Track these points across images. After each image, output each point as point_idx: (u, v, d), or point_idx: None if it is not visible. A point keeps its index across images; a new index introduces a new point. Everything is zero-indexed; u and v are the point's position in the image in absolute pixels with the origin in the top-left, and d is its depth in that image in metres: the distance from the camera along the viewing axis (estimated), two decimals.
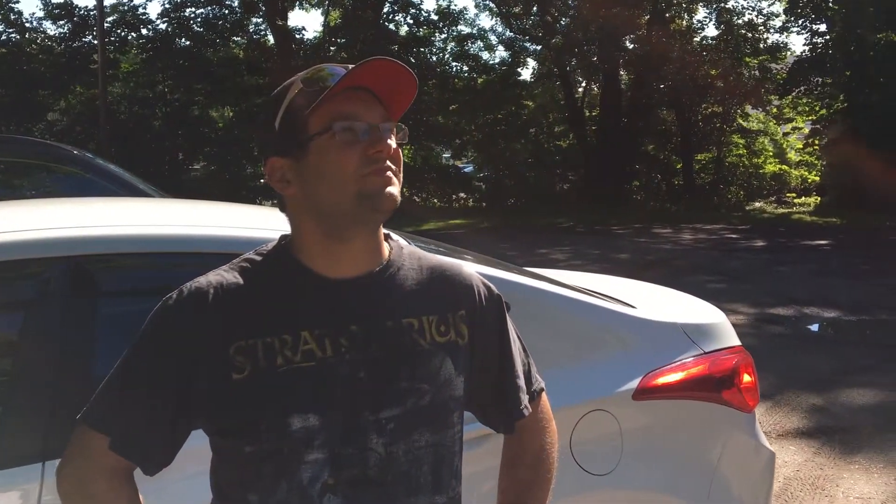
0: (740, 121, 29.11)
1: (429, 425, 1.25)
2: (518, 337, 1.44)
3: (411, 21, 26.55)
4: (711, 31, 45.91)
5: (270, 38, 25.14)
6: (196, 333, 1.19)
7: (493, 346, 1.38)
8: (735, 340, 2.48)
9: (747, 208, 26.18)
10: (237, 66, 24.35)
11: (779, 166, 31.32)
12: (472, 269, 1.41)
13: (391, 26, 26.19)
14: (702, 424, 2.32)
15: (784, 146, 32.10)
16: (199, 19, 24.32)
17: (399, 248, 1.34)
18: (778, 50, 27.51)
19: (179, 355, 1.19)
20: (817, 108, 26.20)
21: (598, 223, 19.15)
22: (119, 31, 23.88)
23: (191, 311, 1.20)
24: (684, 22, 28.15)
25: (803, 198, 28.67)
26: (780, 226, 19.44)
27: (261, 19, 24.99)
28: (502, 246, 13.46)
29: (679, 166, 28.33)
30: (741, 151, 30.05)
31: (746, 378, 2.37)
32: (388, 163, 1.21)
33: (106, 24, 20.98)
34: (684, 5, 27.70)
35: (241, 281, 1.24)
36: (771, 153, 31.26)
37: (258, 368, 1.18)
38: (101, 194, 5.63)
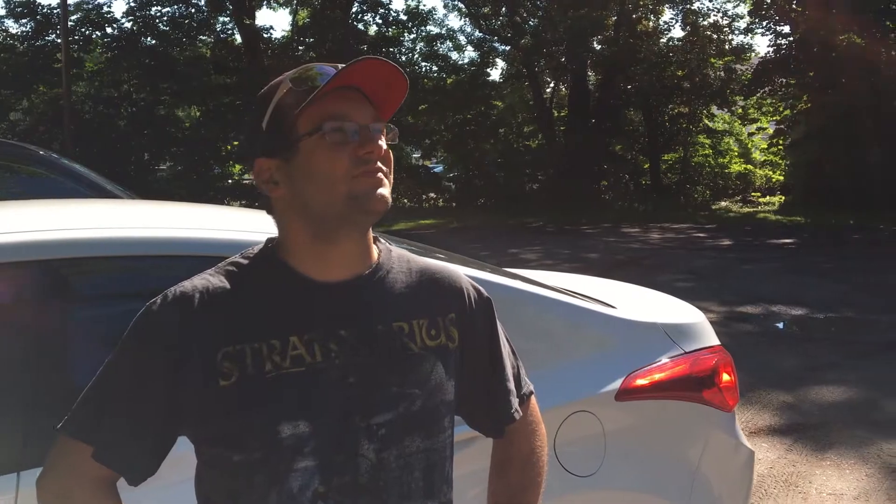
0: (706, 121, 29.51)
1: (420, 431, 1.23)
2: (507, 339, 1.43)
3: (380, 21, 26.52)
4: (678, 32, 46.38)
5: (238, 38, 24.93)
6: (182, 339, 1.16)
7: (484, 350, 1.37)
8: (714, 340, 2.50)
9: (713, 207, 26.52)
10: (204, 66, 24.10)
11: (744, 166, 31.79)
12: (462, 271, 1.40)
13: (360, 26, 26.12)
14: (683, 424, 2.33)
15: (749, 146, 32.58)
16: (164, 18, 24.06)
17: (388, 250, 1.32)
18: (743, 51, 27.89)
19: (165, 362, 1.16)
20: (781, 109, 26.62)
21: (568, 223, 19.26)
22: (83, 29, 23.51)
23: (176, 316, 1.17)
24: (651, 23, 28.43)
25: (768, 197, 29.11)
26: (746, 225, 19.70)
27: (228, 18, 24.76)
28: (473, 246, 13.48)
29: (646, 166, 28.62)
30: (707, 151, 30.47)
31: (726, 377, 2.38)
32: (379, 164, 1.20)
33: (70, 23, 20.62)
34: (650, 7, 27.97)
35: (227, 285, 1.21)
36: (736, 153, 31.73)
37: (246, 375, 1.15)
38: (66, 195, 5.52)
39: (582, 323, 2.28)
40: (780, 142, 27.32)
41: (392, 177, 1.24)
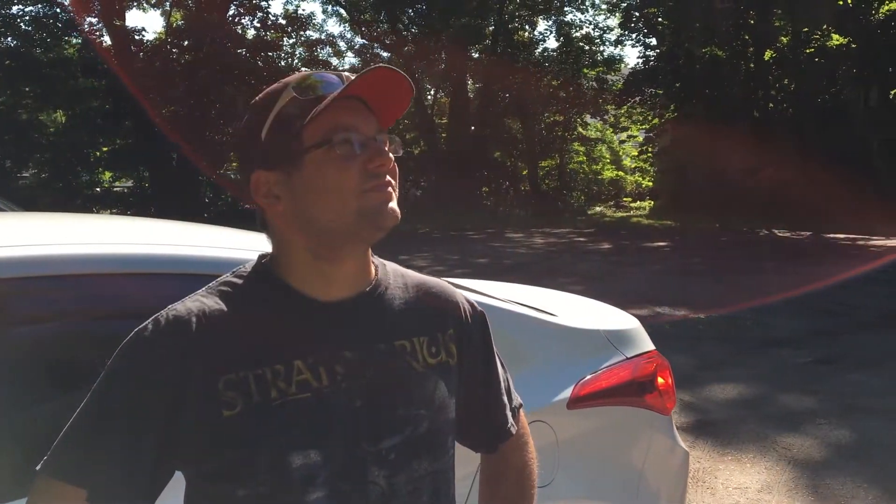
0: (580, 129, 30.54)
1: (427, 453, 1.19)
2: (497, 353, 1.41)
3: (258, 24, 25.94)
4: (552, 43, 47.81)
5: (107, 39, 23.81)
6: (179, 368, 1.07)
7: (480, 365, 1.34)
8: (650, 345, 2.54)
9: (589, 212, 27.43)
10: (71, 68, 22.87)
11: (616, 172, 33.09)
12: (453, 286, 1.36)
13: (238, 29, 25.44)
14: (628, 429, 2.37)
15: (620, 153, 33.94)
16: (27, 17, 22.69)
17: (383, 265, 1.28)
18: (614, 62, 29.06)
19: (161, 393, 1.06)
20: (650, 118, 27.90)
21: (454, 229, 19.46)
22: None
23: (171, 342, 1.08)
24: (527, 34, 29.18)
25: (638, 202, 30.39)
26: (622, 229, 20.51)
27: (96, 19, 23.59)
28: None
29: (525, 172, 29.32)
30: (581, 158, 31.52)
31: (662, 381, 2.44)
32: (388, 177, 1.15)
33: None
34: (526, 17, 28.70)
35: (224, 307, 1.13)
36: (608, 160, 33.00)
37: (251, 403, 1.08)
38: None
39: (531, 332, 2.28)
40: (650, 149, 28.64)
41: (398, 190, 1.19)
